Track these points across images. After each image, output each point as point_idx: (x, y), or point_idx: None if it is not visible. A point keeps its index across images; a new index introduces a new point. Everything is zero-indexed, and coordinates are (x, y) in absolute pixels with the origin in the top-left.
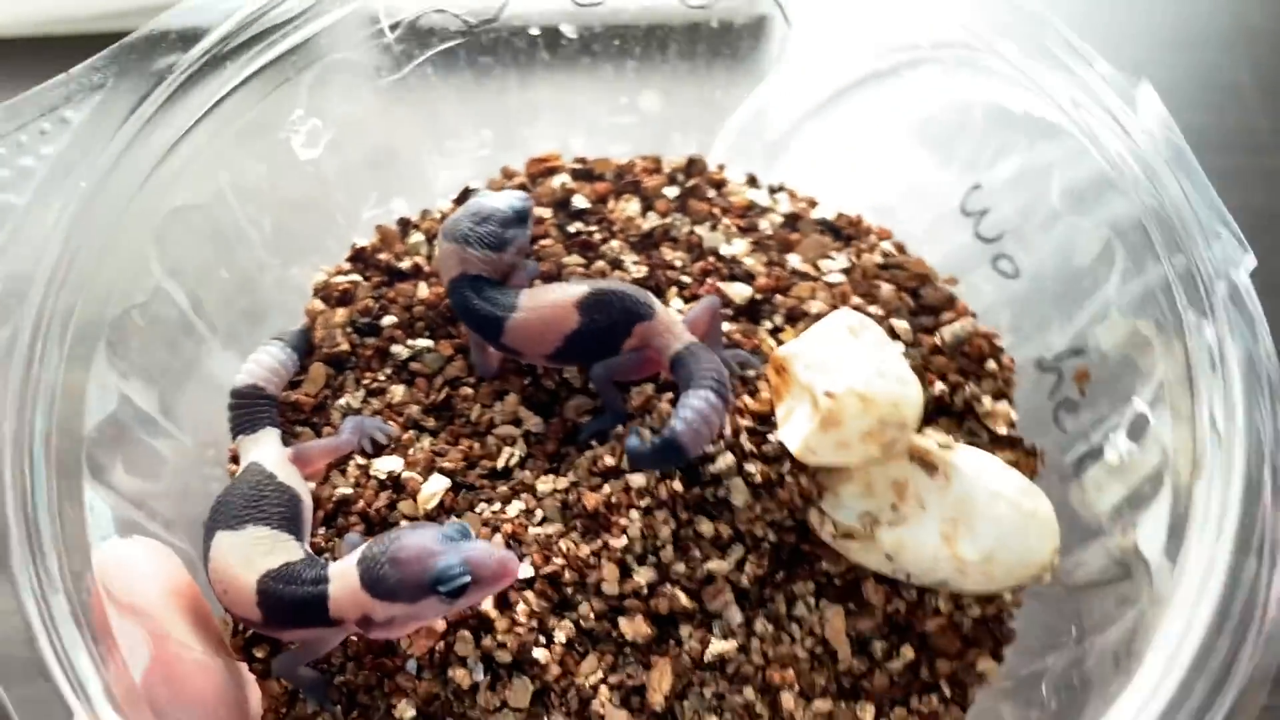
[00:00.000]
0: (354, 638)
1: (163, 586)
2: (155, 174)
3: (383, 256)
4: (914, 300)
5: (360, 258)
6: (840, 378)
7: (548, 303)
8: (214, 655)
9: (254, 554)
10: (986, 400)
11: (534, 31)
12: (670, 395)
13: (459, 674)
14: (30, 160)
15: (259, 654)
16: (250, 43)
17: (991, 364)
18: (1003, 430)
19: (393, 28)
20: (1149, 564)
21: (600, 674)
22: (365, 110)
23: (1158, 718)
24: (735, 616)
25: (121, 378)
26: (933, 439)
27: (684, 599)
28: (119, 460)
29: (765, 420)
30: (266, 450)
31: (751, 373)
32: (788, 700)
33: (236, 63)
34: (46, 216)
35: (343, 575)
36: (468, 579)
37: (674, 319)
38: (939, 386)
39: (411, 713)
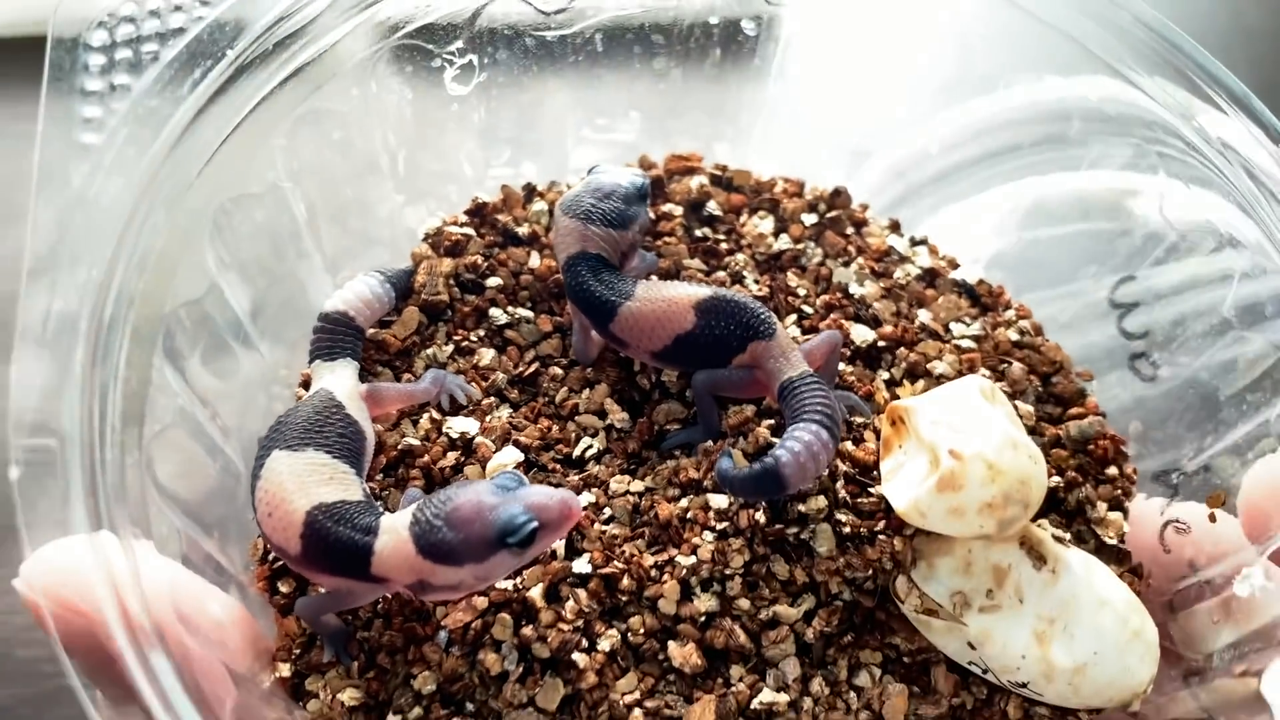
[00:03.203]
0: (388, 595)
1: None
2: (301, 72)
3: (501, 217)
4: (1044, 386)
5: (479, 213)
6: (970, 440)
7: (665, 298)
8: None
9: (310, 481)
10: (1101, 506)
11: (713, 20)
12: (771, 422)
13: (490, 658)
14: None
15: (283, 588)
16: None
17: (1113, 470)
18: (1112, 540)
19: None
20: (1273, 710)
21: (637, 695)
22: (523, 64)
23: None
24: (792, 670)
25: (219, 266)
26: (1048, 530)
27: (743, 637)
28: (198, 352)
29: (866, 472)
30: (340, 380)
31: (859, 419)
32: None
33: None
34: (186, 77)
35: (393, 533)
36: (535, 524)
37: (792, 345)
38: (1054, 480)
39: (432, 687)
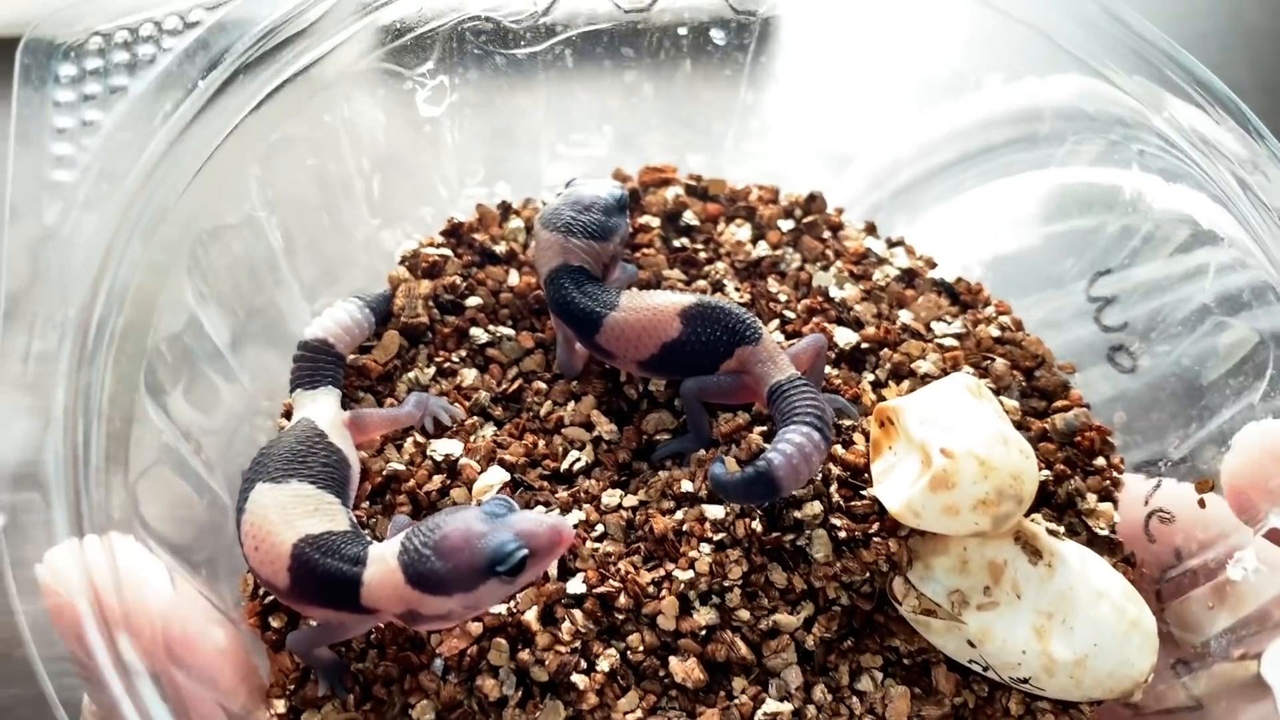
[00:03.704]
0: (380, 625)
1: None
2: (272, 99)
3: (478, 236)
4: (1027, 381)
5: (455, 233)
6: (961, 437)
7: (650, 307)
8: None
9: (295, 513)
10: (1091, 498)
11: (682, 31)
12: (764, 429)
13: (488, 684)
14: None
15: (275, 623)
16: None
17: (1101, 461)
18: (1104, 531)
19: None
20: (1274, 692)
21: (639, 713)
22: (494, 82)
23: None
24: (794, 678)
25: (199, 299)
26: (1042, 524)
27: (744, 649)
28: (180, 386)
29: (857, 475)
30: (322, 409)
31: (848, 422)
32: None
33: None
34: (156, 109)
35: (381, 562)
36: (525, 552)
37: (778, 349)
38: (1043, 474)
39: (430, 716)
